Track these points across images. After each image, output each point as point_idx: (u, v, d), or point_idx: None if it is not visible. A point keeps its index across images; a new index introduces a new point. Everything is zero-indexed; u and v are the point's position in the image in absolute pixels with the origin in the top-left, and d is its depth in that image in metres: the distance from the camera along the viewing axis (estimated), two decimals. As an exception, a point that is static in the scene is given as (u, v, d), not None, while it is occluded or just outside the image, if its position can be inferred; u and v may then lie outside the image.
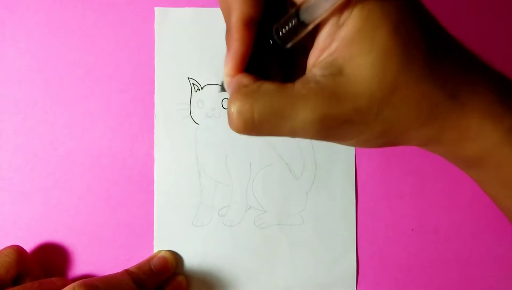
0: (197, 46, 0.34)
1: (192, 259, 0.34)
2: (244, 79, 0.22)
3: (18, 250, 0.30)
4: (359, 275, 0.34)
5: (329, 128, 0.21)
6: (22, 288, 0.28)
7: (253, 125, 0.21)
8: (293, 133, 0.22)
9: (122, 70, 0.34)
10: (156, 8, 0.34)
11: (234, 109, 0.21)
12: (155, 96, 0.34)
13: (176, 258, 0.33)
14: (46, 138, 0.33)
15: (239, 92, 0.22)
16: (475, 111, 0.22)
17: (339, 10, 0.20)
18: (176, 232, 0.33)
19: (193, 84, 0.34)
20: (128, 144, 0.34)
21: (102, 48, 0.34)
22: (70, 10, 0.34)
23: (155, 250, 0.33)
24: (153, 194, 0.34)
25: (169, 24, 0.34)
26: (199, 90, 0.34)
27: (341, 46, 0.20)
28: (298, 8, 0.21)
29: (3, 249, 0.30)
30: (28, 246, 0.33)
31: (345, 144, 0.24)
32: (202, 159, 0.34)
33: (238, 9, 0.22)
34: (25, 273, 0.30)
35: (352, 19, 0.20)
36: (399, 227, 0.34)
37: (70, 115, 0.34)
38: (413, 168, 0.34)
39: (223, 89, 0.24)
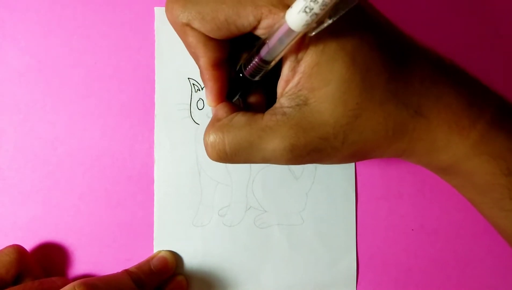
0: (197, 46, 0.34)
1: (192, 259, 0.34)
2: (220, 111, 0.24)
3: (18, 250, 0.30)
4: (359, 275, 0.34)
5: (299, 156, 0.22)
6: (22, 287, 0.28)
7: (226, 156, 0.23)
8: (266, 162, 0.23)
9: (122, 70, 0.34)
10: (156, 8, 0.34)
11: (208, 141, 0.23)
12: (155, 96, 0.34)
13: (176, 258, 0.33)
14: (46, 138, 0.33)
15: (213, 126, 0.24)
16: (441, 125, 0.22)
17: (296, 48, 0.21)
18: (176, 232, 0.33)
19: (193, 84, 0.34)
20: (128, 144, 0.34)
21: (102, 48, 0.34)
22: (70, 10, 0.34)
23: (155, 250, 0.33)
24: (153, 194, 0.34)
25: (169, 24, 0.34)
26: (199, 90, 0.34)
27: (303, 79, 0.21)
28: (259, 47, 0.22)
29: (4, 248, 0.30)
30: (28, 246, 0.33)
31: (323, 164, 0.25)
32: (202, 159, 0.34)
33: (203, 55, 0.23)
34: (26, 273, 0.30)
35: (308, 55, 0.21)
36: (399, 227, 0.34)
37: (70, 115, 0.34)
38: (413, 168, 0.34)
39: None
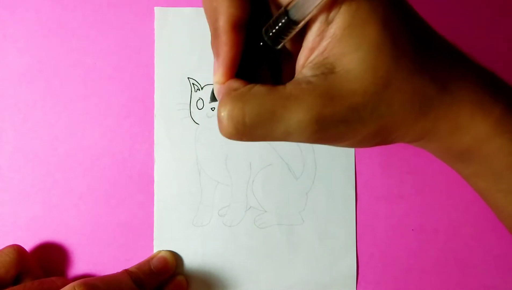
0: (197, 46, 0.34)
1: (192, 259, 0.34)
2: (234, 83, 0.22)
3: (18, 250, 0.30)
4: (359, 275, 0.34)
5: (324, 129, 0.21)
6: (22, 287, 0.28)
7: (244, 129, 0.21)
8: (287, 136, 0.21)
9: (122, 70, 0.34)
10: (156, 8, 0.34)
11: (224, 113, 0.21)
12: (155, 96, 0.34)
13: (176, 258, 0.33)
14: (46, 138, 0.33)
15: (229, 95, 0.21)
16: (465, 102, 0.22)
17: (328, 6, 0.20)
18: (176, 232, 0.33)
19: (193, 84, 0.34)
20: (128, 144, 0.34)
21: (102, 48, 0.34)
22: (70, 10, 0.34)
23: (155, 250, 0.33)
24: (153, 194, 0.34)
25: (169, 24, 0.34)
26: (199, 90, 0.34)
27: (331, 43, 0.20)
28: (287, 7, 0.20)
29: (3, 248, 0.30)
30: (28, 246, 0.33)
31: (339, 146, 0.24)
32: (202, 159, 0.34)
33: (226, 12, 0.21)
34: (25, 273, 0.30)
35: (341, 15, 0.20)
36: (399, 227, 0.34)
37: (70, 115, 0.34)
38: (413, 168, 0.34)
39: (213, 98, 0.24)
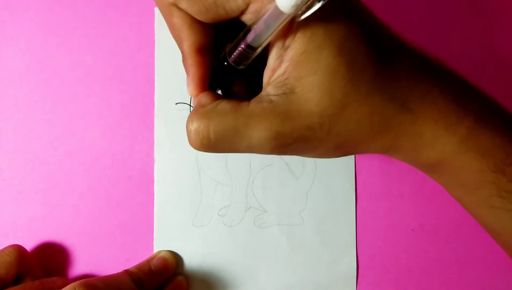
0: (197, 46, 0.34)
1: (192, 259, 0.34)
2: (204, 98, 0.24)
3: (18, 250, 0.30)
4: (359, 275, 0.34)
5: (283, 145, 0.22)
6: (22, 287, 0.28)
7: (209, 144, 0.22)
8: (250, 150, 0.23)
9: (122, 70, 0.34)
10: (156, 8, 0.34)
11: (191, 128, 0.22)
12: (155, 96, 0.34)
13: (176, 258, 0.33)
14: (46, 138, 0.33)
15: (196, 112, 0.23)
16: (428, 121, 0.22)
17: (283, 34, 0.21)
18: (176, 232, 0.33)
19: (193, 84, 0.34)
20: (128, 144, 0.34)
21: (102, 48, 0.34)
22: (70, 10, 0.34)
23: (155, 250, 0.33)
24: (153, 194, 0.34)
25: (169, 24, 0.34)
26: (199, 90, 0.34)
27: (290, 67, 0.21)
28: (245, 32, 0.21)
29: (4, 248, 0.30)
30: (28, 246, 0.33)
31: (306, 157, 0.25)
32: (202, 159, 0.34)
33: (188, 39, 0.23)
34: (26, 273, 0.30)
35: (296, 42, 0.21)
36: (399, 227, 0.34)
37: (70, 115, 0.34)
38: (413, 168, 0.34)
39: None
